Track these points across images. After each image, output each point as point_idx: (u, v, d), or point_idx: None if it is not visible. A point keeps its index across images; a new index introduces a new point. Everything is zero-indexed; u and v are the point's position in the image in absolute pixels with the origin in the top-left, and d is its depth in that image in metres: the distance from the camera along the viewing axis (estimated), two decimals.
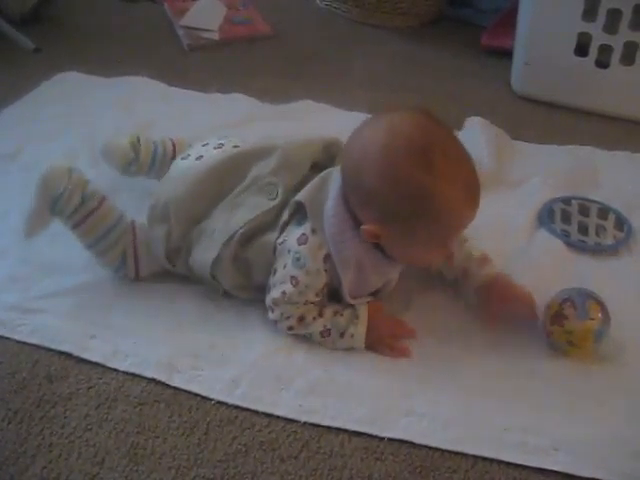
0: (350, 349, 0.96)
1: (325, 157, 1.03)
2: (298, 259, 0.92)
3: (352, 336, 0.95)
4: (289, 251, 0.93)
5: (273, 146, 1.02)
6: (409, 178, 0.85)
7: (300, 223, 0.94)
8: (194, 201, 1.00)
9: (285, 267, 0.93)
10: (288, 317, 0.95)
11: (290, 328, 0.96)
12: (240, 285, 1.01)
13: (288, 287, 0.93)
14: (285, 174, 0.98)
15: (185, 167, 1.05)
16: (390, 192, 0.86)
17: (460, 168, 0.87)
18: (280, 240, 0.95)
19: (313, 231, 0.92)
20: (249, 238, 0.97)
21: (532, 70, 1.60)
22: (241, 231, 0.96)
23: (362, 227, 0.90)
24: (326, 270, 0.92)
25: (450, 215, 0.87)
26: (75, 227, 1.02)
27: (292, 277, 0.92)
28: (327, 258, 0.92)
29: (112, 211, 1.04)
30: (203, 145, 1.09)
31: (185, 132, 1.23)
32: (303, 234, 0.93)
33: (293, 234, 0.94)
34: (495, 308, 0.98)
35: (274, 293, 0.94)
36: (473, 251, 1.01)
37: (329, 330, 0.95)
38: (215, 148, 1.07)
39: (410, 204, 0.86)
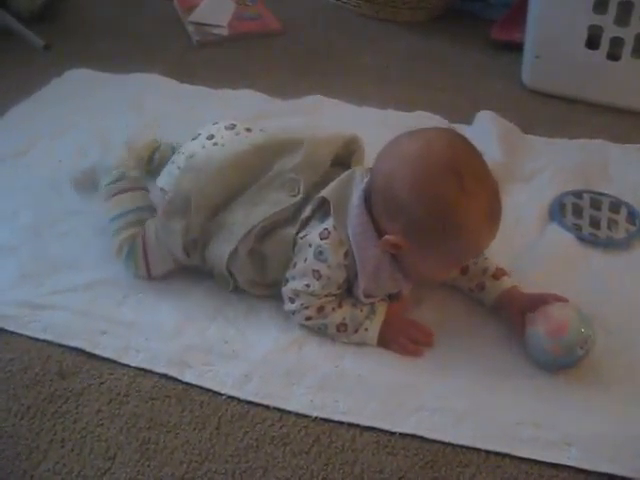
0: (362, 344, 0.96)
1: (344, 153, 1.04)
2: (321, 252, 0.93)
3: (366, 330, 0.95)
4: (310, 245, 0.94)
5: (297, 141, 1.02)
6: (439, 195, 0.87)
7: (322, 219, 0.95)
8: (216, 190, 1.00)
9: (306, 260, 0.94)
10: (307, 307, 0.95)
11: (308, 318, 0.96)
12: (253, 281, 1.01)
13: (311, 280, 0.93)
14: (308, 171, 0.99)
15: (205, 156, 1.04)
16: (418, 206, 0.88)
17: (487, 193, 0.88)
18: (302, 235, 0.95)
19: (335, 228, 0.93)
20: (267, 232, 0.98)
21: (542, 63, 1.59)
22: (260, 225, 0.96)
23: (384, 237, 0.91)
24: (346, 265, 0.93)
25: (471, 236, 0.88)
26: (107, 199, 1.11)
27: (314, 270, 0.93)
28: (347, 255, 0.93)
29: (143, 199, 1.11)
30: (214, 124, 1.10)
31: (194, 128, 1.23)
32: (326, 229, 0.93)
33: (316, 229, 0.94)
34: (515, 319, 0.97)
35: (295, 284, 0.95)
36: (489, 266, 1.01)
37: (346, 325, 0.95)
38: (227, 128, 1.08)
39: (436, 220, 0.87)
